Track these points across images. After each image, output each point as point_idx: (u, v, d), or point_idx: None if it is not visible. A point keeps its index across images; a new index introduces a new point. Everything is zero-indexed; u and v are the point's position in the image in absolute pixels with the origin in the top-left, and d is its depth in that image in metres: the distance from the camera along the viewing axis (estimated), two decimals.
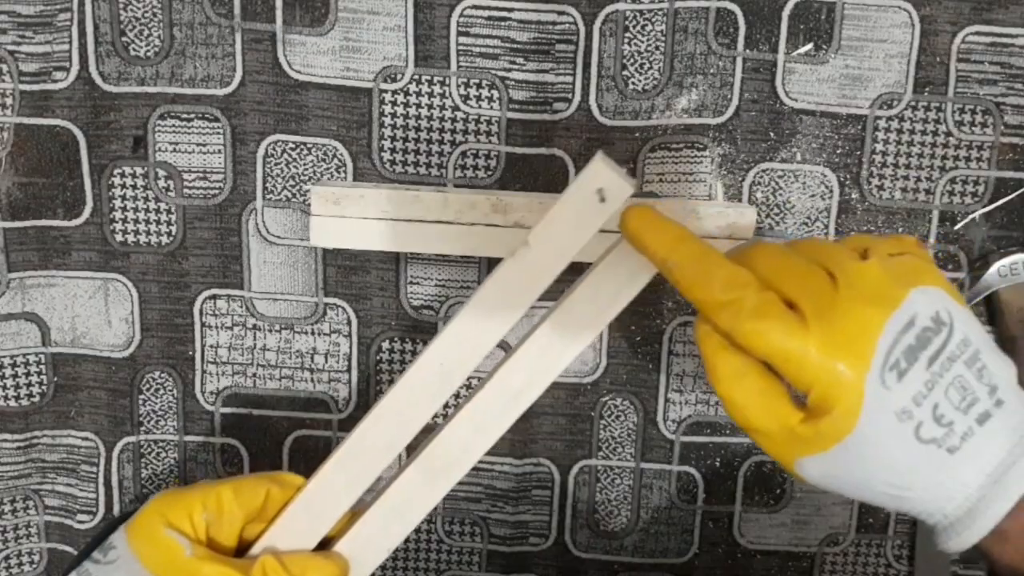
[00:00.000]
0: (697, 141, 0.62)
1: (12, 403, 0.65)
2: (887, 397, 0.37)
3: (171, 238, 0.64)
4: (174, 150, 0.63)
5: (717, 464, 0.66)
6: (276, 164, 0.63)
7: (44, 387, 0.65)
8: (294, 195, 0.63)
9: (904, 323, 0.37)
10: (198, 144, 0.63)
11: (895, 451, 0.37)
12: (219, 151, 0.63)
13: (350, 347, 0.65)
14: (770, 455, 0.41)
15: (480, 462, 0.67)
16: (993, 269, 0.62)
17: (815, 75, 0.62)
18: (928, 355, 0.37)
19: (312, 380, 0.66)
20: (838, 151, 0.63)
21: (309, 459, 0.66)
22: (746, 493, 0.67)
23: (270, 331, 0.65)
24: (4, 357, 0.65)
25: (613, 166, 0.46)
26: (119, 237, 0.64)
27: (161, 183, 0.63)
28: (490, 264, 0.64)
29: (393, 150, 0.63)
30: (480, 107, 0.62)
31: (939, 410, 0.37)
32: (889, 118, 0.62)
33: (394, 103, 0.62)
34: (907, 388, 0.37)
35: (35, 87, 0.61)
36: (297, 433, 0.66)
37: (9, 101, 0.61)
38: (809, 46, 0.62)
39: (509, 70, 0.62)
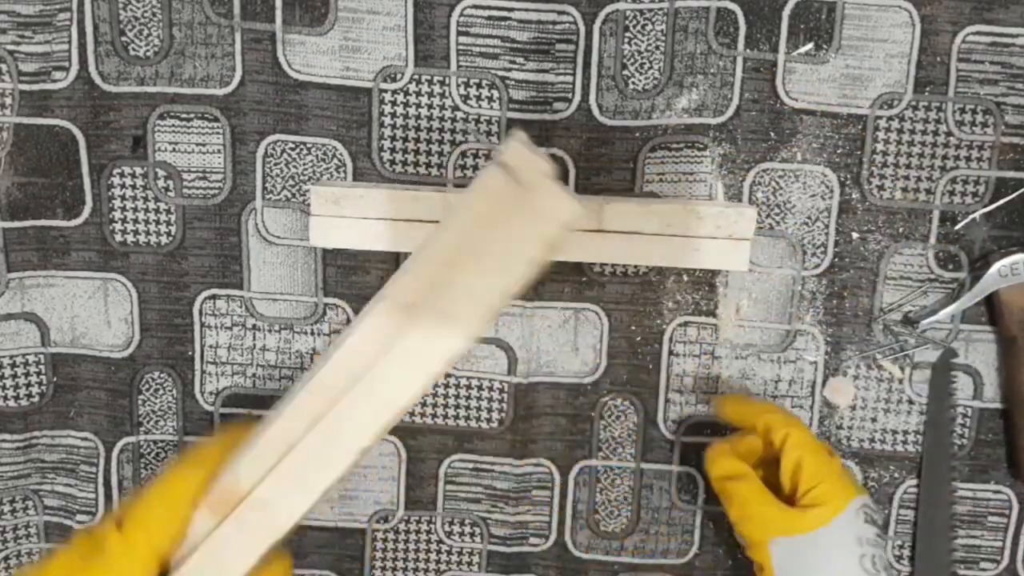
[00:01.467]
0: (697, 141, 0.62)
1: (12, 403, 0.65)
2: (854, 521, 0.55)
3: (171, 238, 0.64)
4: (174, 150, 0.63)
5: None
6: (276, 164, 0.63)
7: (44, 387, 0.65)
8: (294, 195, 0.63)
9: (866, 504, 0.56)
10: (198, 144, 0.63)
11: (841, 560, 0.54)
12: (219, 151, 0.63)
13: None
14: (749, 535, 0.57)
15: (480, 462, 0.67)
16: (993, 269, 0.62)
17: (815, 75, 0.62)
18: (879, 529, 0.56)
19: None
20: (838, 151, 0.63)
21: None
22: None
23: (270, 331, 0.65)
24: (4, 357, 0.65)
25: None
26: (119, 237, 0.64)
27: (161, 183, 0.63)
28: None
29: (393, 150, 0.63)
30: (480, 107, 0.62)
31: (876, 560, 0.54)
32: (889, 118, 0.62)
33: (394, 103, 0.62)
34: (865, 529, 0.55)
35: (35, 87, 0.61)
36: None
37: (9, 101, 0.61)
38: (809, 46, 0.61)
39: (509, 70, 0.61)
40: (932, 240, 0.63)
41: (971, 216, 0.63)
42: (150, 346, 0.65)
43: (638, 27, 0.61)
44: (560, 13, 0.61)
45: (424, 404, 0.66)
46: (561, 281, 0.64)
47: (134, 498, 0.49)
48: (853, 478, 0.62)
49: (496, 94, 0.62)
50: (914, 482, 0.66)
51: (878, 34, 0.61)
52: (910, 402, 0.65)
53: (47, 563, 0.47)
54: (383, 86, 0.62)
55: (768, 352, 0.65)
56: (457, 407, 0.66)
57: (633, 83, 0.62)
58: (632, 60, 0.61)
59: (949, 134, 0.62)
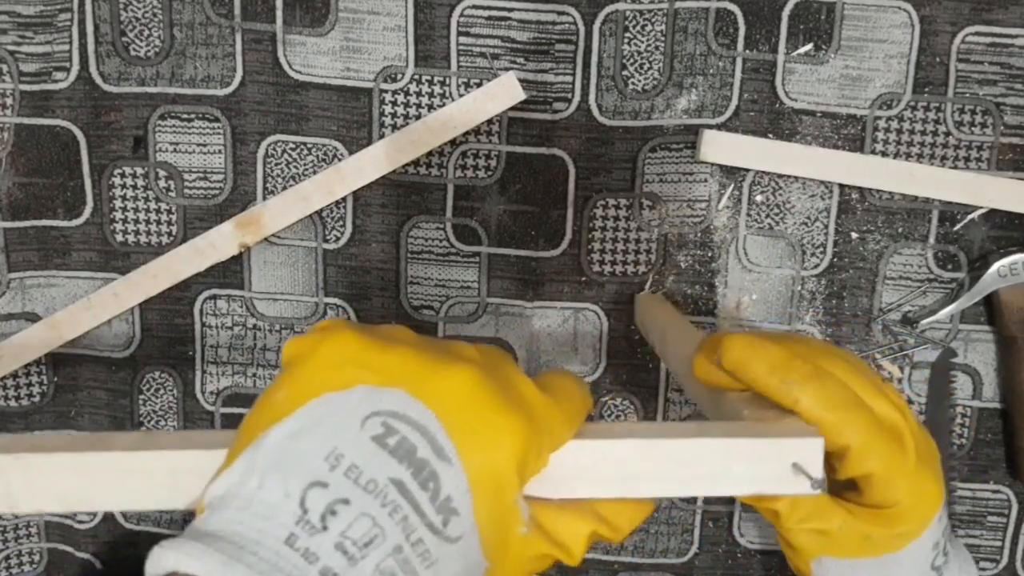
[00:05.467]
0: (697, 141, 0.62)
1: (12, 403, 0.65)
2: (938, 527, 0.41)
3: (171, 238, 0.64)
4: (174, 150, 0.63)
5: None
6: (276, 164, 0.63)
7: (44, 387, 0.65)
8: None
9: None
10: (198, 144, 0.63)
11: (922, 569, 0.41)
12: (219, 151, 0.63)
13: None
14: (797, 547, 0.42)
15: None
16: (993, 269, 0.62)
17: (815, 75, 0.62)
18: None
19: None
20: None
21: None
22: None
23: (270, 331, 0.65)
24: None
25: None
26: (119, 237, 0.64)
27: (161, 183, 0.63)
28: (490, 262, 0.64)
29: None
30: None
31: (944, 547, 0.43)
32: (889, 118, 0.62)
33: (394, 103, 0.62)
34: (941, 529, 0.42)
35: (35, 87, 0.61)
36: None
37: (9, 101, 0.61)
38: (809, 46, 0.62)
39: (509, 70, 0.62)
40: (931, 240, 0.64)
41: (970, 216, 0.63)
42: (151, 346, 0.65)
43: (638, 27, 0.61)
44: (560, 13, 0.61)
45: None
46: (561, 281, 0.64)
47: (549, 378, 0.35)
48: (933, 463, 0.42)
49: None
50: None
51: (877, 35, 0.61)
52: (909, 402, 0.65)
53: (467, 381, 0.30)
54: (383, 86, 0.62)
55: None
56: None
57: (633, 83, 0.62)
58: (632, 60, 0.61)
59: (948, 134, 0.62)
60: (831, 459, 0.39)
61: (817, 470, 0.35)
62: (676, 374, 0.44)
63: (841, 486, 0.41)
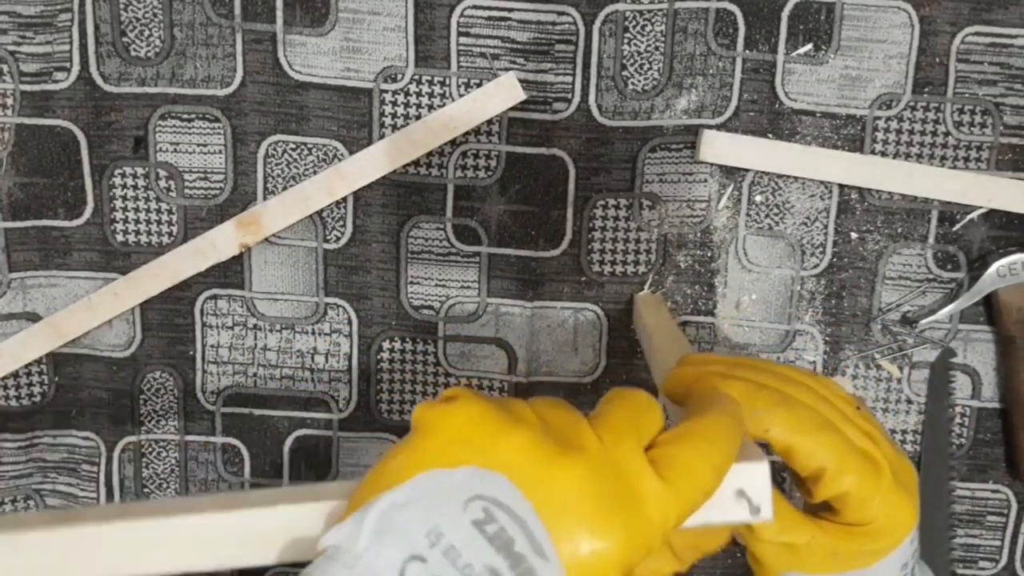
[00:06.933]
0: (697, 141, 0.62)
1: (13, 403, 0.65)
2: (908, 548, 0.41)
3: (172, 238, 0.64)
4: (175, 150, 0.63)
5: None
6: (277, 164, 0.63)
7: (45, 387, 0.66)
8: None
9: None
10: (199, 144, 0.63)
11: None
12: (220, 151, 0.63)
13: (350, 347, 0.65)
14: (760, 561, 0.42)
15: None
16: (992, 269, 0.62)
17: (815, 75, 0.62)
18: None
19: (312, 380, 0.66)
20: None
21: (310, 459, 0.67)
22: None
23: (271, 331, 0.65)
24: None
25: None
26: (120, 237, 0.64)
27: (162, 183, 0.63)
28: (490, 262, 0.64)
29: None
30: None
31: (912, 569, 0.42)
32: (888, 118, 0.62)
33: (394, 103, 0.62)
34: (911, 551, 0.41)
35: (36, 87, 0.61)
36: (298, 433, 0.66)
37: (10, 101, 0.61)
38: (808, 47, 0.62)
39: (509, 70, 0.62)
40: (931, 240, 0.64)
41: (970, 216, 0.63)
42: (151, 346, 0.65)
43: (638, 28, 0.61)
44: (560, 14, 0.61)
45: None
46: (561, 281, 0.64)
47: (672, 435, 0.34)
48: (910, 486, 0.41)
49: None
50: None
51: (877, 35, 0.61)
52: (909, 402, 0.66)
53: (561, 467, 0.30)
54: (384, 87, 0.62)
55: (767, 352, 0.65)
56: None
57: (633, 84, 0.62)
58: (632, 61, 0.62)
59: (948, 134, 0.62)
60: (807, 483, 0.40)
61: (762, 495, 0.34)
62: (656, 384, 0.44)
63: (817, 509, 0.41)
